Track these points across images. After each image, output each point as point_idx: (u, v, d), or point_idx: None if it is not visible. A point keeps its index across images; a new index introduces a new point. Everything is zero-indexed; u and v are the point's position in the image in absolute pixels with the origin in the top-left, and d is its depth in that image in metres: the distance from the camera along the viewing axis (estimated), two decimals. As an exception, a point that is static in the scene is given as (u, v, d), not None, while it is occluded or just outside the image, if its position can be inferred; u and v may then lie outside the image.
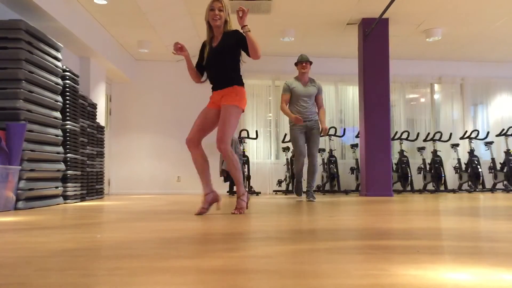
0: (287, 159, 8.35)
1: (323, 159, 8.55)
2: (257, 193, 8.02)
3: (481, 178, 8.41)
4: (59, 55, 4.99)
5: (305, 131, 5.71)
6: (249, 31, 3.29)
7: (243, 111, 3.50)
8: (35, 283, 1.12)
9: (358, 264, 1.38)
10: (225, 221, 2.88)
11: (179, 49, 3.39)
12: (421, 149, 8.62)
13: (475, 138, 8.75)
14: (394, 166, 8.35)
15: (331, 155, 8.38)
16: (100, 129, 6.67)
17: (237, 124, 3.48)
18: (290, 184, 8.18)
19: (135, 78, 9.09)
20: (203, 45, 3.56)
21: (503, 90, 9.77)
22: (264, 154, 9.12)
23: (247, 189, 8.12)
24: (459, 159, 8.73)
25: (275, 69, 9.09)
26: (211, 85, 3.55)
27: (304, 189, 5.96)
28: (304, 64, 5.70)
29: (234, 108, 3.37)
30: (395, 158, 8.64)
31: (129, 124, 9.05)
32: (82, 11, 6.37)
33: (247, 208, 3.55)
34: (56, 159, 4.86)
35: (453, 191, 8.40)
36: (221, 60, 3.43)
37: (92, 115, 6.29)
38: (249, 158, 8.32)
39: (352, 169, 8.56)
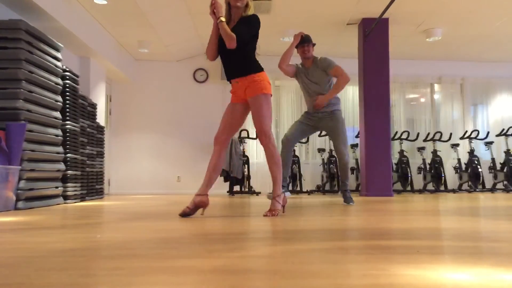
0: (287, 159, 8.35)
1: (323, 159, 8.56)
2: (257, 193, 8.02)
3: (481, 178, 8.41)
4: (59, 55, 4.99)
5: (313, 124, 4.77)
6: (221, 21, 3.08)
7: (271, 96, 3.24)
8: (35, 283, 1.12)
9: (358, 264, 1.38)
10: (225, 221, 2.88)
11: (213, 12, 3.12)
12: (421, 149, 8.62)
13: (475, 138, 8.75)
14: (394, 166, 8.35)
15: (331, 155, 8.38)
16: (100, 129, 6.67)
17: (271, 112, 3.22)
18: (290, 184, 8.17)
19: (135, 78, 9.09)
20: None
21: (503, 90, 9.77)
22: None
23: (247, 189, 8.12)
24: (459, 159, 8.73)
25: (275, 69, 9.03)
26: (226, 75, 3.31)
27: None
28: (305, 47, 4.71)
29: (262, 96, 3.16)
30: (395, 158, 8.64)
31: (129, 124, 9.05)
32: (82, 11, 6.37)
33: (283, 211, 3.33)
34: (56, 159, 4.86)
35: (453, 191, 8.39)
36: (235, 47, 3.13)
37: (92, 115, 6.29)
38: (249, 158, 8.32)
39: (352, 169, 8.56)
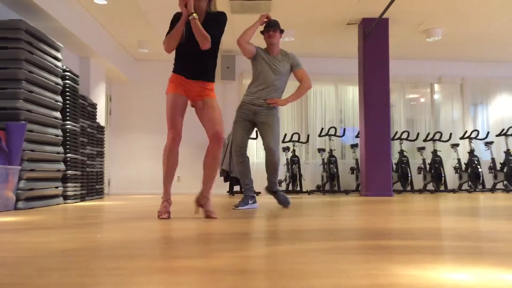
0: (287, 159, 8.36)
1: (323, 159, 8.55)
2: (257, 193, 8.02)
3: (481, 178, 8.41)
4: (59, 55, 4.99)
5: (250, 118, 4.27)
6: (195, 18, 2.90)
7: None
8: (35, 283, 1.12)
9: (358, 264, 1.38)
10: (225, 221, 2.88)
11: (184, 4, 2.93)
12: (421, 149, 8.62)
13: (475, 138, 8.75)
14: (394, 166, 8.35)
15: (331, 155, 8.37)
16: (100, 129, 6.67)
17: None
18: (290, 184, 8.17)
19: (135, 78, 9.09)
20: (176, 18, 3.07)
21: (503, 90, 9.76)
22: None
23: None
24: (459, 159, 8.73)
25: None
26: (180, 69, 3.12)
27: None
28: (271, 32, 4.24)
29: (217, 102, 3.19)
30: (395, 158, 8.63)
31: (129, 124, 9.05)
32: (82, 11, 6.37)
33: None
34: (56, 159, 4.86)
35: (453, 191, 8.39)
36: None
37: (92, 115, 6.29)
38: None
39: (352, 169, 8.56)
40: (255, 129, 4.42)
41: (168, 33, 3.04)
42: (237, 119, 4.31)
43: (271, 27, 4.25)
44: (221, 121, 3.14)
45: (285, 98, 4.37)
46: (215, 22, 3.07)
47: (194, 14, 2.91)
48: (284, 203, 4.33)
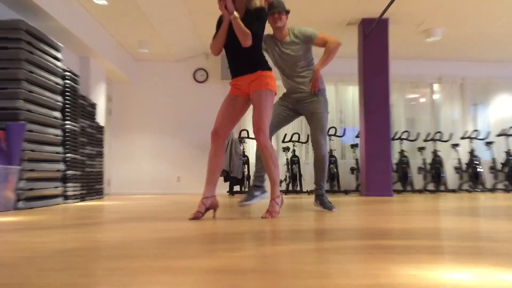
0: (287, 159, 8.36)
1: (323, 159, 8.54)
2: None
3: (481, 178, 8.41)
4: (59, 55, 4.99)
5: (292, 107, 3.78)
6: (236, 18, 2.95)
7: (275, 94, 3.14)
8: (35, 283, 1.12)
9: (358, 264, 1.38)
10: (225, 221, 2.88)
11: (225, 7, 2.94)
12: (421, 149, 8.62)
13: (476, 138, 8.75)
14: (394, 166, 8.34)
15: (331, 155, 8.37)
16: (100, 129, 6.67)
17: (271, 111, 3.15)
18: (290, 184, 8.17)
19: (135, 78, 9.08)
20: (221, 20, 3.12)
21: (503, 90, 9.76)
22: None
23: (247, 189, 8.12)
24: (459, 159, 8.72)
25: (275, 69, 9.09)
26: (230, 69, 3.16)
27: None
28: (276, 15, 3.68)
29: (268, 92, 3.06)
30: (395, 158, 8.63)
31: (129, 124, 9.04)
32: (82, 11, 6.37)
33: (278, 212, 3.13)
34: (56, 159, 4.86)
35: (453, 191, 8.39)
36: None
37: (92, 115, 6.29)
38: (249, 158, 8.31)
39: (352, 169, 8.55)
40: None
41: (214, 36, 3.10)
42: (274, 104, 3.51)
43: (275, 9, 3.67)
44: (262, 115, 3.04)
45: (316, 69, 3.71)
46: (255, 18, 3.07)
47: (236, 14, 2.98)
48: (329, 207, 3.66)
